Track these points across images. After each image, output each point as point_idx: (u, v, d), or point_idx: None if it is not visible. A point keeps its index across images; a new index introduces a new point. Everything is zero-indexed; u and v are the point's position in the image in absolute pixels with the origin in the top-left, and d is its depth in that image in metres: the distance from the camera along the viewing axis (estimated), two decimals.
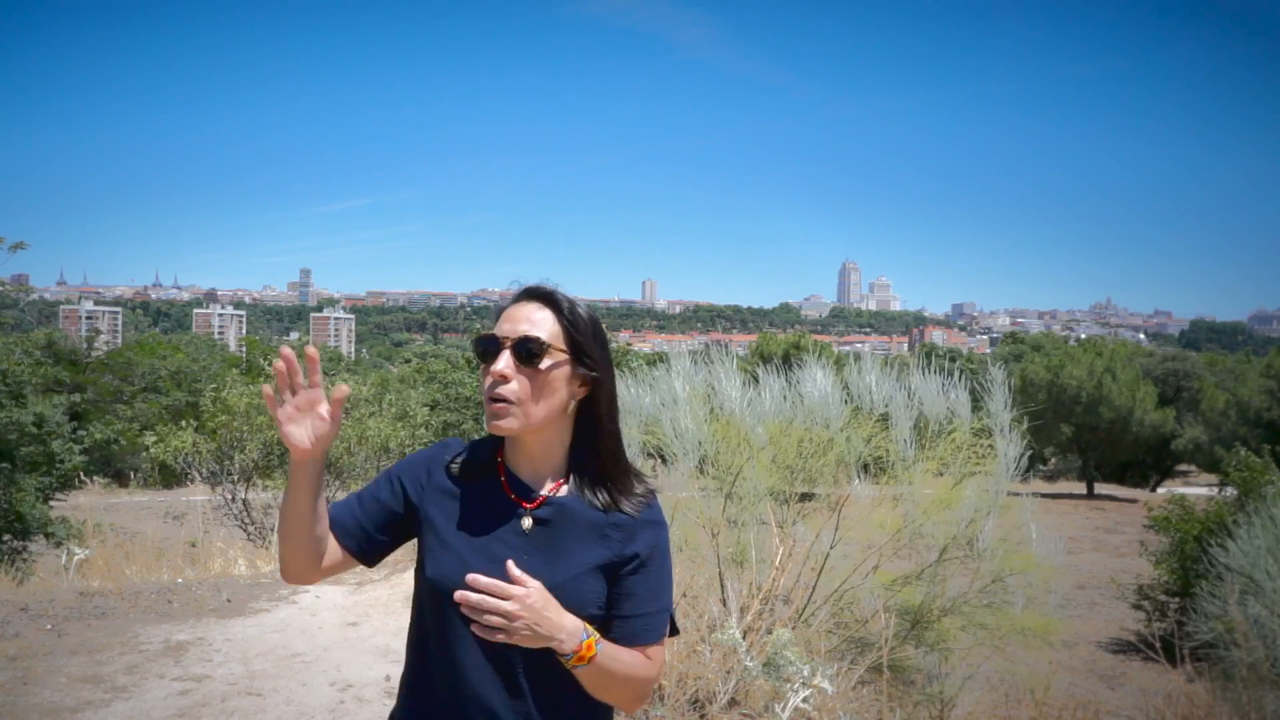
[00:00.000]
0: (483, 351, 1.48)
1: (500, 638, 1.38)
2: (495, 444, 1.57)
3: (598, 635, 1.44)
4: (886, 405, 5.34)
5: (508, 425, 1.46)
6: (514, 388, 1.45)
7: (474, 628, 1.39)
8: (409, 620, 1.58)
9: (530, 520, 1.49)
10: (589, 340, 1.51)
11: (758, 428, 5.24)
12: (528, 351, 1.45)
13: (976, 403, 5.55)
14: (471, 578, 1.38)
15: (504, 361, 1.45)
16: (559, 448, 1.54)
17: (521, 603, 1.37)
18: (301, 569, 1.51)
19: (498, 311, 1.55)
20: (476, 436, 1.63)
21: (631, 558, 1.51)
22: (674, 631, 1.61)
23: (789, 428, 5.28)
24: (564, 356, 1.48)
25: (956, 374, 5.50)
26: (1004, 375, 5.38)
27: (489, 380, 1.46)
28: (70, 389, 16.81)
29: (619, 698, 1.51)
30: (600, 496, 1.52)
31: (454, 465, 1.55)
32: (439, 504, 1.52)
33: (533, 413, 1.47)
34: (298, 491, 1.44)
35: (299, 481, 1.43)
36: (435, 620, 1.48)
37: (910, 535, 5.08)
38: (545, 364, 1.46)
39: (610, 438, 1.55)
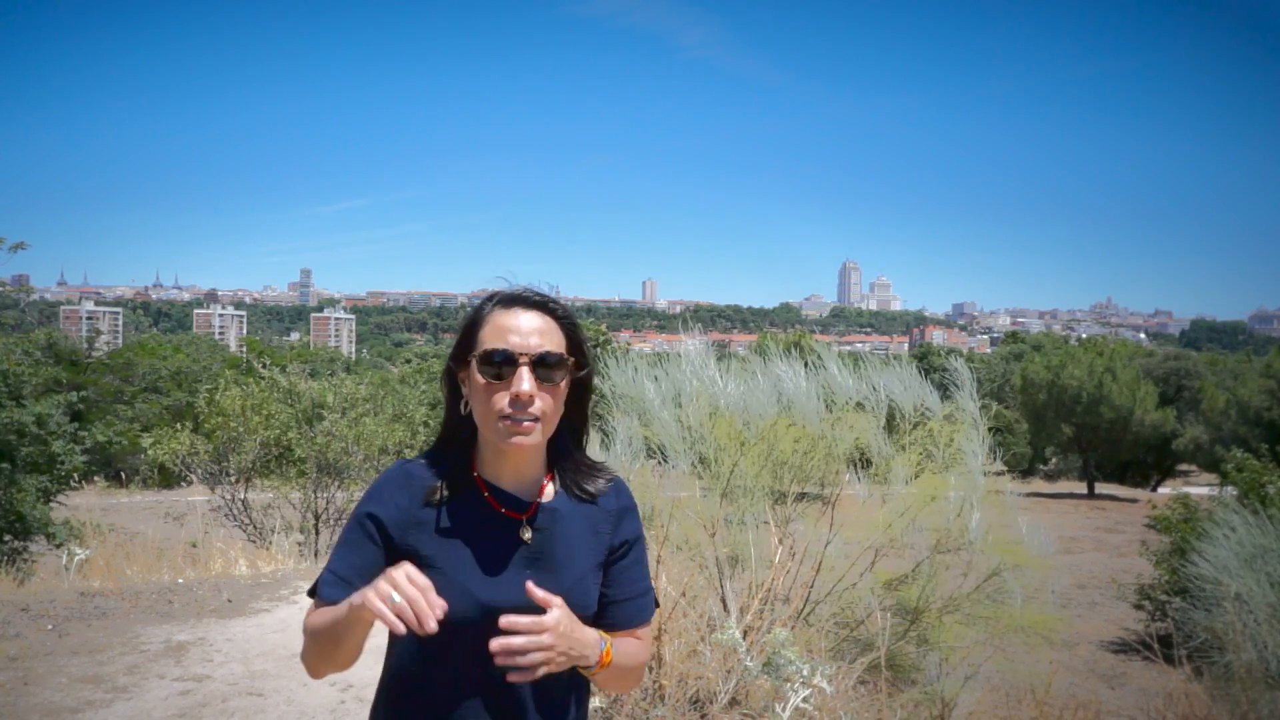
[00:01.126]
0: (494, 366, 1.41)
1: (540, 673, 1.32)
2: (462, 458, 1.49)
3: (610, 638, 1.44)
4: (867, 399, 5.35)
5: (532, 442, 1.41)
6: (538, 405, 1.40)
7: (512, 675, 1.31)
8: (385, 663, 1.50)
9: (530, 531, 1.46)
10: (584, 340, 1.50)
11: (752, 423, 5.24)
12: (547, 367, 1.42)
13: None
14: (510, 621, 1.30)
15: (527, 381, 1.39)
16: (542, 451, 1.51)
17: (554, 632, 1.31)
18: (338, 670, 1.45)
19: (474, 318, 1.48)
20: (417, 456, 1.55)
21: (620, 545, 1.54)
22: (655, 604, 1.62)
23: (778, 422, 5.28)
24: (570, 365, 1.46)
25: (953, 372, 5.52)
26: (966, 366, 5.45)
27: (506, 398, 1.39)
28: (70, 389, 16.81)
29: (624, 686, 1.52)
30: (587, 488, 1.53)
31: (429, 491, 1.46)
32: (423, 536, 1.43)
33: (550, 426, 1.45)
34: (357, 634, 1.34)
35: (363, 630, 1.33)
36: (432, 657, 1.42)
37: (902, 530, 5.08)
38: (561, 378, 1.44)
39: (585, 425, 1.57)
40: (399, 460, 1.52)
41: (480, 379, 1.42)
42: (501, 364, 1.40)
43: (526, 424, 1.40)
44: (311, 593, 1.47)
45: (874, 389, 5.30)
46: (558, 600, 1.34)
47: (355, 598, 1.28)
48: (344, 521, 10.37)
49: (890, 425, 5.34)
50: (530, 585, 1.35)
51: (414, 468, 1.48)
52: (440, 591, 1.37)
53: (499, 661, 1.30)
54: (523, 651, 1.29)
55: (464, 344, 1.46)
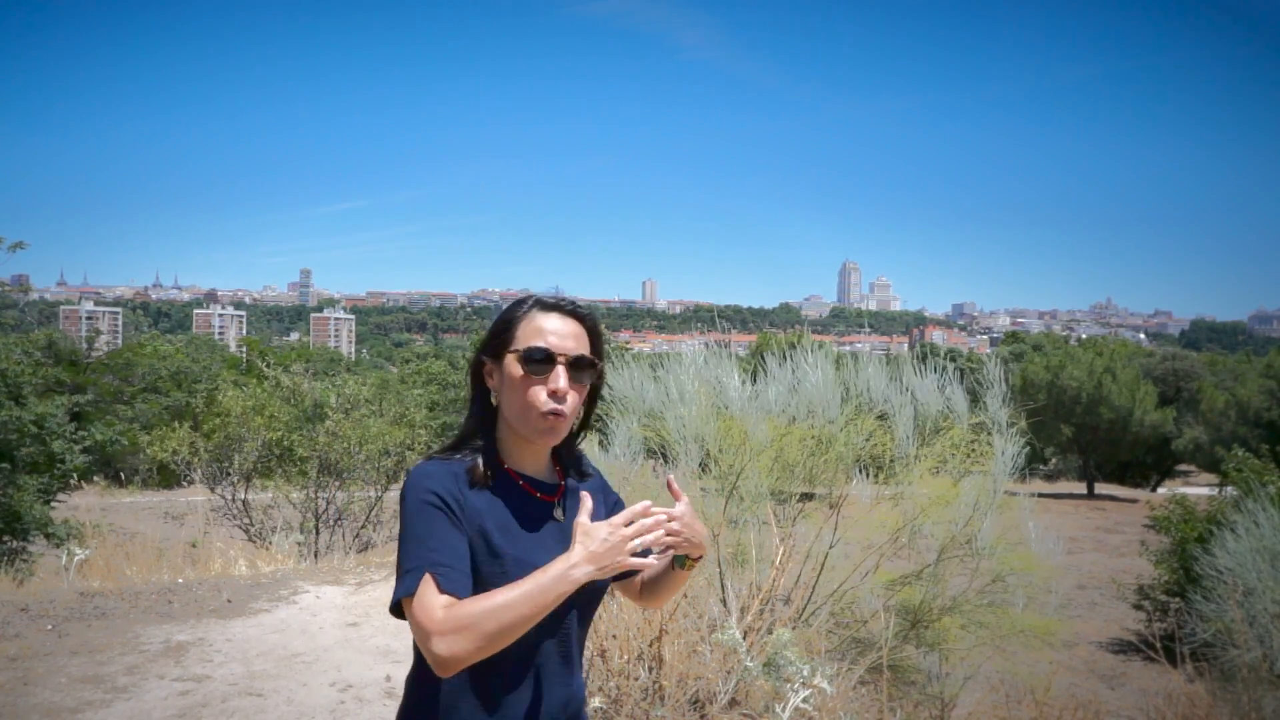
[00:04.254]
0: (535, 363, 1.53)
1: (657, 560, 1.51)
2: (489, 450, 1.58)
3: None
4: (885, 402, 5.33)
5: (558, 436, 1.57)
6: (570, 403, 1.55)
7: (648, 558, 1.49)
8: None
9: (561, 511, 1.61)
10: (604, 349, 1.65)
11: (760, 425, 5.23)
12: (580, 370, 1.57)
13: (976, 401, 5.54)
14: (644, 505, 1.47)
15: (564, 379, 1.54)
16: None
17: (680, 520, 1.51)
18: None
19: (510, 316, 1.59)
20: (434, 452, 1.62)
21: (614, 507, 1.72)
22: None
23: (790, 427, 5.27)
24: (596, 370, 1.61)
25: (954, 372, 5.48)
26: (1001, 372, 5.38)
27: (544, 393, 1.53)
28: (71, 389, 16.80)
29: (670, 596, 1.74)
30: (582, 470, 1.71)
31: (470, 471, 1.54)
32: (489, 523, 1.51)
33: (570, 424, 1.60)
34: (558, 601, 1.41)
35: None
36: None
37: (910, 534, 5.08)
38: (590, 380, 1.60)
39: (589, 425, 1.74)
40: (424, 460, 1.57)
41: (519, 372, 1.54)
42: (542, 361, 1.53)
43: (559, 420, 1.54)
44: (396, 607, 1.43)
45: (911, 393, 5.26)
46: (684, 499, 1.56)
47: (577, 572, 1.39)
48: (344, 522, 10.50)
49: (917, 428, 5.29)
50: (670, 479, 1.60)
51: (448, 465, 1.54)
52: (491, 570, 1.48)
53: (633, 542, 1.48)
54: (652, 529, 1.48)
55: (497, 340, 1.58)
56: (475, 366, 1.62)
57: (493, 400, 1.60)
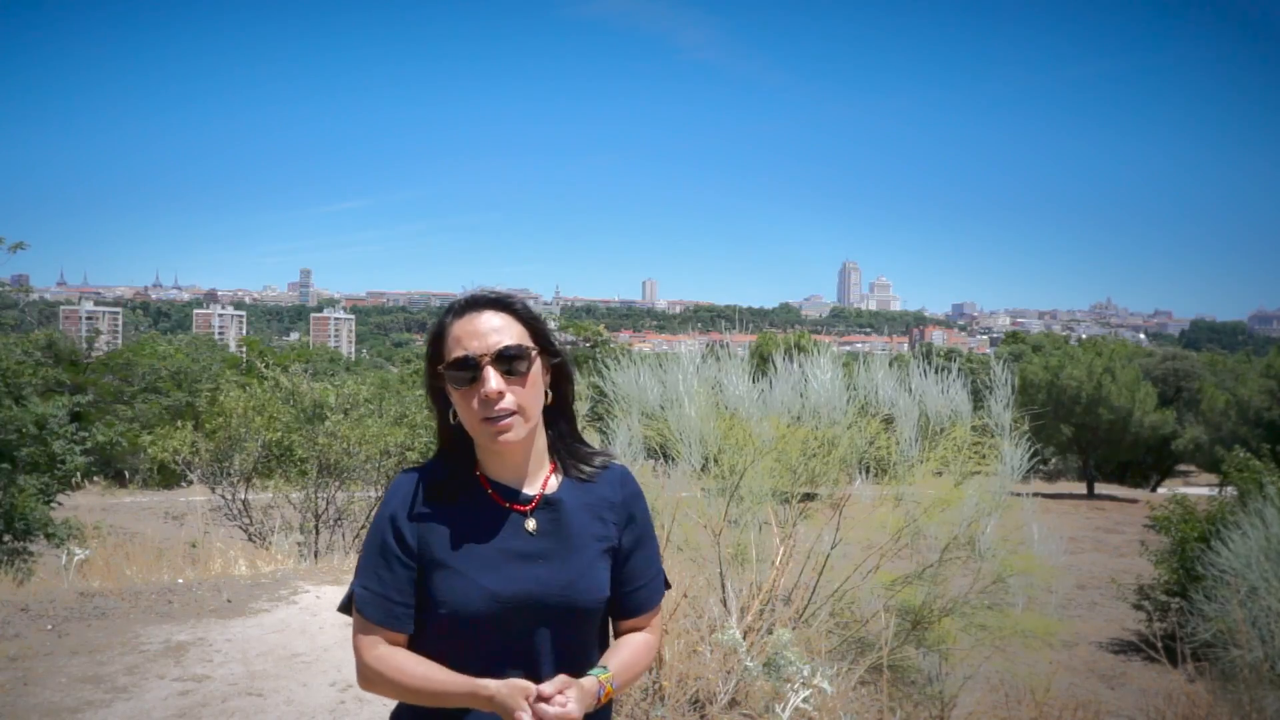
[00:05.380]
0: (461, 374, 1.46)
1: None
2: (464, 460, 1.54)
3: (608, 671, 1.46)
4: (891, 406, 5.32)
5: (515, 436, 1.46)
6: (511, 400, 1.45)
7: None
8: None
9: (534, 522, 1.50)
10: (546, 328, 1.54)
11: (763, 425, 5.23)
12: (509, 361, 1.46)
13: (978, 402, 5.54)
14: (559, 682, 1.36)
15: (494, 380, 1.44)
16: (535, 441, 1.55)
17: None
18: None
19: (436, 332, 1.52)
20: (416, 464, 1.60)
21: (631, 537, 1.58)
22: (666, 586, 1.66)
23: (794, 428, 5.26)
24: (536, 352, 1.50)
25: (955, 373, 5.47)
26: (1006, 374, 5.36)
27: (478, 402, 1.44)
28: (71, 389, 16.80)
29: (636, 679, 1.60)
30: (584, 468, 1.58)
31: (433, 495, 1.50)
32: (435, 538, 1.47)
33: (532, 416, 1.49)
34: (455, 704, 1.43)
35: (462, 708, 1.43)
36: (453, 648, 1.46)
37: (911, 535, 5.07)
38: (528, 367, 1.48)
39: (572, 410, 1.62)
40: (403, 471, 1.55)
41: (453, 389, 1.48)
42: (467, 370, 1.45)
43: (505, 420, 1.44)
44: (344, 608, 1.54)
45: (915, 395, 5.25)
46: (571, 693, 1.36)
47: (498, 693, 1.35)
48: (344, 522, 10.49)
49: (921, 430, 5.29)
50: (570, 685, 1.37)
51: (419, 474, 1.53)
52: (454, 587, 1.44)
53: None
54: None
55: (433, 359, 1.51)
56: (430, 390, 1.55)
57: (451, 419, 1.52)
